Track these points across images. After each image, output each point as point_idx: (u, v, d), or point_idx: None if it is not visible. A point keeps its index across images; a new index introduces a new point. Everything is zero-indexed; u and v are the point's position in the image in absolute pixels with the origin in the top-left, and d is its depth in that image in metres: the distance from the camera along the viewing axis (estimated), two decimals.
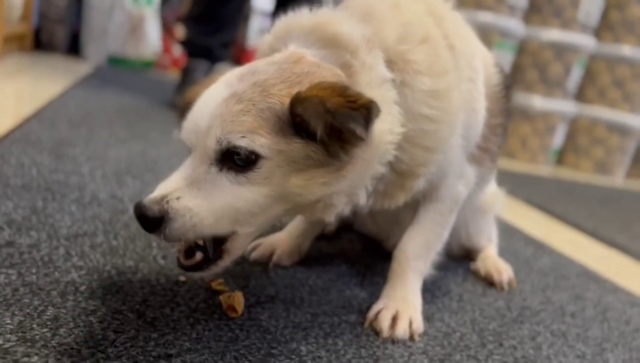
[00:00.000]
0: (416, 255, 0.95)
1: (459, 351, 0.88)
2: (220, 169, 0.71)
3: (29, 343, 0.65)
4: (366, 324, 0.90)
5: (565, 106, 3.55)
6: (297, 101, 0.69)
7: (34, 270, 0.83)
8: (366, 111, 0.66)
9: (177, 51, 4.55)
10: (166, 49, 4.52)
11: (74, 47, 3.84)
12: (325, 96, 0.66)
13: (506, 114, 1.01)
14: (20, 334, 0.67)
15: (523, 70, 3.56)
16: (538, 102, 3.51)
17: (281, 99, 0.71)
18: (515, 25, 3.29)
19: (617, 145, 3.70)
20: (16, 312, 0.71)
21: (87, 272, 0.86)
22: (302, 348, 0.78)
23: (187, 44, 2.74)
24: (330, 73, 0.75)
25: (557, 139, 3.68)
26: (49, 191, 1.15)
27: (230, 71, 0.79)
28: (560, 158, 3.87)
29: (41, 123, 1.69)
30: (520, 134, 3.61)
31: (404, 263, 0.95)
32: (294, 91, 0.70)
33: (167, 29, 4.71)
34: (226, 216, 0.71)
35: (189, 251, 0.77)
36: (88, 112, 2.03)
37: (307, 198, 0.74)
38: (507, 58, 3.41)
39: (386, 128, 0.75)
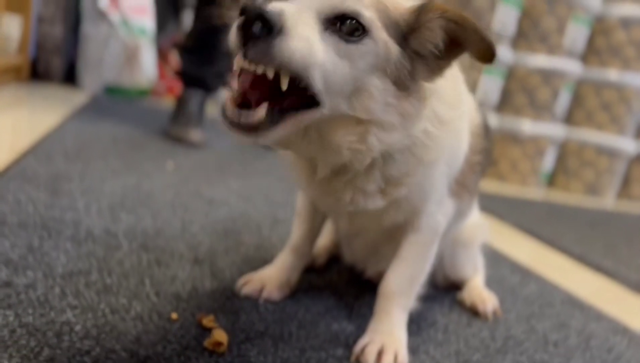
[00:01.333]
0: (401, 291, 0.99)
1: None
2: (325, 29, 0.71)
3: None
4: (352, 358, 0.92)
5: (554, 130, 3.62)
6: (428, 9, 0.74)
7: (30, 311, 0.85)
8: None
9: (171, 74, 4.61)
10: (161, 75, 4.58)
11: (70, 77, 3.89)
12: (467, 21, 0.73)
13: (485, 154, 1.06)
14: None
15: (512, 95, 3.63)
16: (527, 126, 3.58)
17: (394, 5, 0.75)
18: (502, 51, 3.37)
19: (606, 167, 3.75)
20: (13, 354, 0.73)
21: (81, 311, 0.89)
22: None
23: (181, 74, 2.79)
24: None
25: (548, 162, 3.74)
26: (45, 229, 1.18)
27: None
28: (552, 180, 3.93)
29: (37, 157, 1.73)
30: (511, 157, 3.66)
31: (389, 298, 0.98)
32: (402, 5, 0.76)
33: (162, 55, 4.78)
34: (323, 72, 0.70)
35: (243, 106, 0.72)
36: (84, 144, 2.07)
37: (368, 106, 0.75)
38: (496, 83, 3.48)
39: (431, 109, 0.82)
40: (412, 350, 0.99)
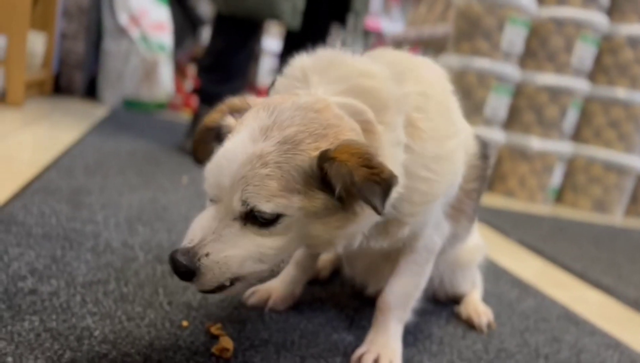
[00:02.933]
0: (397, 305, 1.05)
1: None
2: (244, 223, 0.77)
3: None
4: None
5: (562, 146, 3.66)
6: (324, 158, 0.73)
7: (54, 316, 0.92)
8: (387, 185, 0.72)
9: (189, 87, 4.73)
10: (178, 89, 4.70)
11: (91, 91, 4.03)
12: (353, 165, 0.71)
13: (481, 181, 1.11)
14: None
15: (520, 112, 3.68)
16: (535, 143, 3.62)
17: (309, 153, 0.75)
18: (510, 70, 3.43)
19: (614, 184, 3.78)
20: (39, 356, 0.80)
21: (100, 318, 0.96)
22: None
23: (199, 92, 2.90)
24: (350, 128, 0.79)
25: (556, 178, 3.77)
26: (67, 240, 1.26)
27: (253, 113, 0.81)
28: (560, 196, 3.96)
29: (59, 171, 1.82)
30: (519, 173, 3.71)
31: (386, 311, 1.05)
32: (322, 145, 0.75)
33: (179, 70, 4.91)
34: (249, 262, 0.78)
35: None
36: (103, 159, 2.17)
37: (320, 240, 0.81)
38: (504, 101, 3.53)
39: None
40: (407, 360, 1.05)
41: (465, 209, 1.09)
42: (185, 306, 1.08)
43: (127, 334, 0.93)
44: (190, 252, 0.76)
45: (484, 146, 1.13)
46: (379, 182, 0.72)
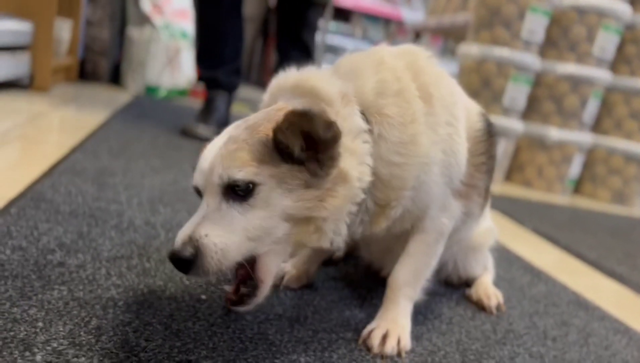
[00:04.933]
0: (406, 282, 1.08)
1: None
2: (227, 201, 0.83)
3: (77, 347, 0.80)
4: (360, 341, 1.02)
5: (581, 137, 3.63)
6: (276, 130, 0.83)
7: (81, 287, 0.98)
8: (330, 123, 0.82)
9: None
10: (199, 76, 4.76)
11: (115, 77, 4.11)
12: (295, 119, 0.81)
13: (488, 156, 1.13)
14: (70, 339, 0.81)
15: (539, 102, 3.65)
16: (554, 133, 3.59)
17: (267, 131, 0.85)
18: (530, 59, 3.40)
19: (634, 175, 3.73)
20: (67, 322, 0.86)
21: (124, 290, 1.01)
22: (302, 359, 0.92)
23: (200, 78, 2.96)
24: None
25: (574, 168, 3.73)
26: (92, 218, 1.32)
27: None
28: (578, 187, 3.93)
29: (85, 153, 1.89)
30: (537, 163, 3.69)
31: (395, 289, 1.08)
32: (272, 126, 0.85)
33: None
34: (243, 241, 0.83)
35: (237, 289, 0.94)
36: (126, 142, 2.23)
37: (300, 216, 0.86)
38: (523, 90, 3.50)
39: (356, 175, 0.88)
40: (416, 337, 1.08)
41: (477, 184, 1.10)
42: (204, 282, 1.13)
43: (149, 305, 0.98)
44: (187, 239, 0.82)
45: (489, 124, 1.15)
46: (323, 122, 0.82)
